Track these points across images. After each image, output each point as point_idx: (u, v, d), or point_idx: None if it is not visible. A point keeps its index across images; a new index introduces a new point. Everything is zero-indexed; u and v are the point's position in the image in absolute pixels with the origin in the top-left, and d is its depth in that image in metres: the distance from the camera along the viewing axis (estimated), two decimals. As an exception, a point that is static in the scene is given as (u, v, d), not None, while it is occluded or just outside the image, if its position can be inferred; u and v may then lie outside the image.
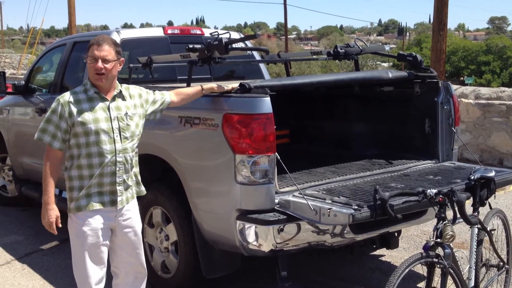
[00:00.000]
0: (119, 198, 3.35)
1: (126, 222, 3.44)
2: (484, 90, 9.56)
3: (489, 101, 9.14)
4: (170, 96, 3.67)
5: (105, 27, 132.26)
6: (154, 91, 3.64)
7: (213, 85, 3.83)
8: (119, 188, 3.35)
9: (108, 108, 3.31)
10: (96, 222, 3.31)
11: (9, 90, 6.60)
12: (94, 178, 3.26)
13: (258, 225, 3.49)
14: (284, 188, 3.73)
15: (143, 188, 3.58)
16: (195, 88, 3.80)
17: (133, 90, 3.50)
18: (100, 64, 3.21)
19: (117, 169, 3.31)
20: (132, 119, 3.39)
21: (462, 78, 45.76)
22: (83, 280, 3.37)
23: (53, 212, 3.28)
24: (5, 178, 7.40)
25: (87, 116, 3.23)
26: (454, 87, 5.15)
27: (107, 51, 3.25)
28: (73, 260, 3.41)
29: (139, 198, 3.60)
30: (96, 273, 3.37)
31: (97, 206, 3.29)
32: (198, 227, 3.94)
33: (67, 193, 3.33)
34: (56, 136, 3.23)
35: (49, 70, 6.64)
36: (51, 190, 3.25)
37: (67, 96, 3.27)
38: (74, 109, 3.22)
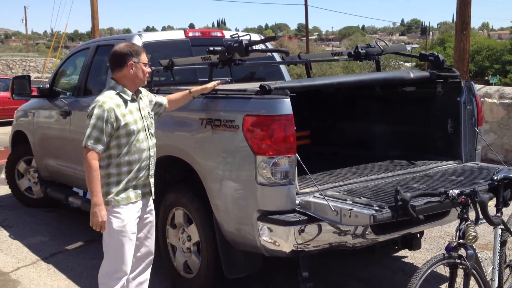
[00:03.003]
0: (153, 189, 3.71)
1: (147, 208, 3.74)
2: (508, 90, 9.41)
3: (514, 101, 9.00)
4: (165, 101, 3.98)
5: (127, 31, 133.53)
6: (154, 94, 3.95)
7: (198, 88, 4.10)
8: (152, 180, 3.69)
9: (139, 108, 3.61)
10: (133, 212, 3.58)
11: (34, 93, 6.73)
12: (133, 173, 3.55)
13: (279, 226, 3.49)
14: (305, 189, 3.73)
15: None
16: (183, 92, 4.09)
17: (143, 91, 3.80)
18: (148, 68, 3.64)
19: (150, 162, 3.65)
20: (152, 117, 3.74)
21: (486, 78, 45.09)
22: (119, 268, 3.56)
23: (105, 212, 3.45)
24: (30, 180, 7.53)
25: (129, 117, 3.51)
26: (478, 86, 5.10)
27: None
28: (108, 250, 3.58)
29: (161, 200, 3.69)
30: (130, 260, 3.61)
31: (133, 199, 3.58)
32: (220, 227, 3.97)
33: (102, 188, 3.46)
34: (100, 139, 3.41)
35: (73, 73, 6.75)
36: (99, 191, 3.41)
37: (109, 102, 3.45)
38: (118, 113, 3.46)
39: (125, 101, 3.52)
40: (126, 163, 3.51)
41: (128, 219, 3.54)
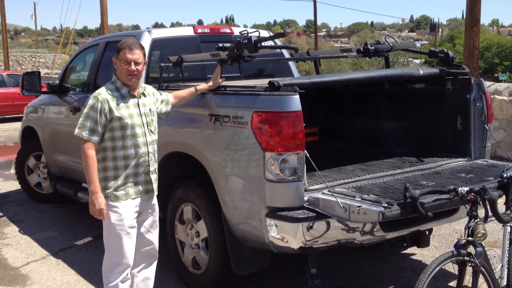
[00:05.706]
0: (154, 185, 3.71)
1: (148, 203, 3.76)
2: (518, 87, 9.36)
3: (524, 98, 8.95)
4: (171, 97, 4.00)
5: (136, 27, 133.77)
6: (160, 92, 3.97)
7: (204, 85, 4.18)
8: (153, 176, 3.70)
9: (138, 104, 3.64)
10: (131, 207, 3.61)
11: (44, 89, 6.76)
12: (130, 168, 3.57)
13: (287, 222, 3.50)
14: (313, 186, 3.73)
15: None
16: (189, 89, 4.15)
17: (149, 89, 3.85)
18: (133, 66, 3.56)
19: (149, 158, 3.66)
20: (154, 114, 3.74)
21: (496, 75, 44.69)
22: (119, 261, 3.60)
23: (103, 200, 3.53)
24: (40, 175, 7.58)
25: (124, 111, 3.54)
26: (487, 83, 5.07)
27: (138, 54, 3.59)
28: (108, 244, 3.64)
29: (170, 196, 3.69)
30: (131, 254, 3.64)
31: (133, 195, 3.62)
32: (228, 224, 3.98)
33: (100, 182, 3.54)
34: (95, 130, 3.48)
35: (83, 69, 6.78)
36: (96, 179, 3.49)
37: (104, 94, 3.54)
38: (112, 105, 3.51)
39: (122, 96, 3.59)
40: (122, 157, 3.56)
41: (125, 213, 3.58)
